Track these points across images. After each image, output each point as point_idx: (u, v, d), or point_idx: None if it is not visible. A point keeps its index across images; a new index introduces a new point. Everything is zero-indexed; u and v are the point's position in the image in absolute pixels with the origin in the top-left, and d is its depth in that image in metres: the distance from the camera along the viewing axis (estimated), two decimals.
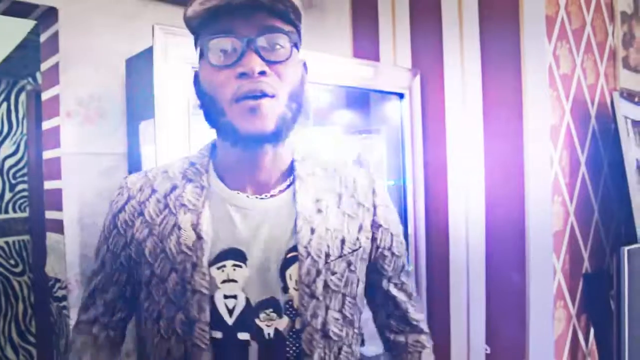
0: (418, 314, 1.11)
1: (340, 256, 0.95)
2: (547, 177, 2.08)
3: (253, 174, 0.96)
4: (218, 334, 0.91)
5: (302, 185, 0.96)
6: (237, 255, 0.92)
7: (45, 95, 2.03)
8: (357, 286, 0.99)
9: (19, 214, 3.72)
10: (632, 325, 1.95)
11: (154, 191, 0.98)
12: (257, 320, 0.91)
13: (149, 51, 1.62)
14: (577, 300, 2.25)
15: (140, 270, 0.97)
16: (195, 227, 0.91)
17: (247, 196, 0.95)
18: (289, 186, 0.98)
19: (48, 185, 2.04)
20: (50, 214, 2.04)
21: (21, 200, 3.72)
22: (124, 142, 1.99)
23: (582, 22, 2.35)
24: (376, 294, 1.10)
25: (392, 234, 1.06)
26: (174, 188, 0.97)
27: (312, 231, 0.93)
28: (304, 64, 0.99)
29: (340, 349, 0.95)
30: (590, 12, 2.42)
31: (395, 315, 1.10)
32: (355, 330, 1.00)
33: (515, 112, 2.05)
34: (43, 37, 2.01)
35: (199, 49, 0.93)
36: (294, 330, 0.93)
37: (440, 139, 2.28)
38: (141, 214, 0.96)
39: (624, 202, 2.30)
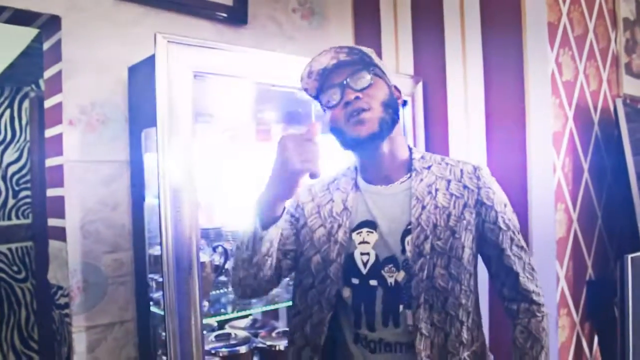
0: (529, 284, 1.30)
1: (445, 226, 1.24)
2: (550, 184, 2.07)
3: (379, 171, 1.33)
4: (356, 281, 1.30)
5: (418, 176, 1.30)
6: (369, 224, 1.30)
7: (48, 103, 2.04)
8: (463, 251, 1.25)
9: (22, 221, 3.73)
10: (636, 333, 1.94)
11: (321, 180, 1.42)
12: (382, 272, 1.27)
13: (151, 59, 1.62)
14: (580, 308, 2.24)
15: (300, 222, 1.40)
16: (344, 202, 1.34)
17: (370, 185, 1.34)
18: (409, 178, 1.32)
19: (51, 192, 2.05)
20: (52, 222, 2.04)
21: (24, 207, 3.72)
22: (126, 150, 1.99)
23: (584, 29, 2.34)
24: (491, 265, 1.33)
25: (496, 211, 1.28)
26: (334, 179, 1.42)
27: (423, 207, 1.26)
28: (394, 87, 1.34)
29: (446, 298, 1.23)
30: (593, 19, 2.42)
31: (507, 284, 1.31)
32: (464, 287, 1.26)
33: (517, 118, 2.05)
34: (46, 45, 2.02)
35: (320, 102, 1.34)
36: (408, 281, 1.24)
37: (442, 146, 2.28)
38: (309, 190, 1.42)
39: (627, 209, 2.30)
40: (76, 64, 1.92)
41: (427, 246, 1.23)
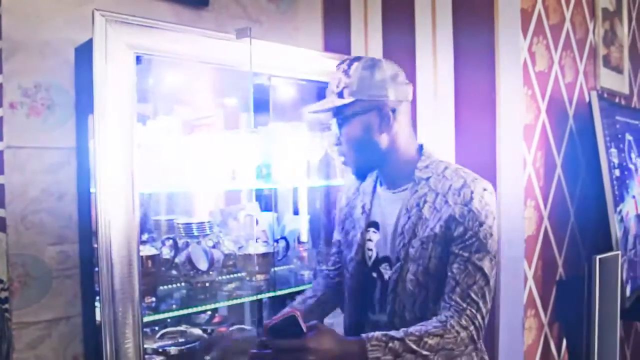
0: (457, 297, 1.26)
1: (421, 237, 1.32)
2: (519, 180, 1.99)
3: (387, 177, 1.44)
4: (366, 270, 1.45)
5: (414, 187, 1.37)
6: (375, 225, 1.45)
7: None
8: (429, 261, 1.31)
9: None
10: (602, 334, 1.88)
11: (354, 185, 1.57)
12: (380, 268, 1.42)
13: None
14: (549, 308, 2.17)
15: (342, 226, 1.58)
16: (363, 205, 1.48)
17: (383, 190, 1.45)
18: (408, 188, 1.39)
19: None
20: None
21: None
22: (72, 136, 1.88)
23: (560, 18, 2.26)
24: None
25: (465, 227, 1.28)
26: (362, 183, 1.53)
27: (409, 218, 1.34)
28: (377, 110, 1.35)
29: (414, 301, 1.33)
30: (570, 8, 2.33)
31: (446, 290, 1.29)
32: (430, 295, 1.32)
33: (487, 110, 1.96)
34: None
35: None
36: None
37: None
38: (345, 195, 1.60)
39: (600, 206, 2.22)
40: (18, 43, 1.80)
41: (403, 252, 1.33)
